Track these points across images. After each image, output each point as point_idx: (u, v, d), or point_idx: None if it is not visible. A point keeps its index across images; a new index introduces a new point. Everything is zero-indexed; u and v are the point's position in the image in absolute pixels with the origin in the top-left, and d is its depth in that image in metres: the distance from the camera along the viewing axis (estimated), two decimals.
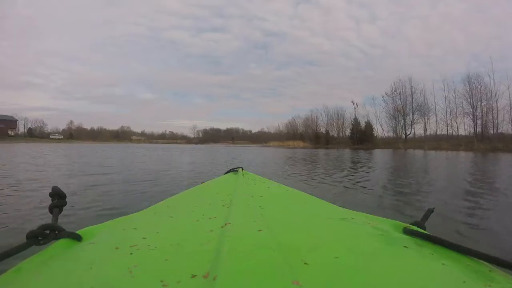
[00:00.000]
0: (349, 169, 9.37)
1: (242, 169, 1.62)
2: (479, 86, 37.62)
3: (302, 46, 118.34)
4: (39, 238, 0.55)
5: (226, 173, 1.64)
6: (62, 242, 0.58)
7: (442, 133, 41.80)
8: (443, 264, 0.46)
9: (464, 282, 0.41)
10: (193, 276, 0.39)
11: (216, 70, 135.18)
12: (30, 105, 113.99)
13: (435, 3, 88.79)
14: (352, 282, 0.39)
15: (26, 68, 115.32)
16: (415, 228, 0.63)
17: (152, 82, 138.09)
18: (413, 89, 44.05)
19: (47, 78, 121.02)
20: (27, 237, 0.53)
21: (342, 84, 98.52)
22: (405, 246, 0.53)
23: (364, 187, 5.49)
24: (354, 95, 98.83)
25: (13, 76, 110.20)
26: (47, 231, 0.56)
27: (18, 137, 66.36)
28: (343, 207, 0.92)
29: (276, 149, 36.31)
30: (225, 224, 0.62)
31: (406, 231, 0.61)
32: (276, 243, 0.48)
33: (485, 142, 31.31)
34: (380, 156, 18.52)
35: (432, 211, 0.76)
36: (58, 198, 0.69)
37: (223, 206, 0.83)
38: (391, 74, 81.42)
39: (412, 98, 44.09)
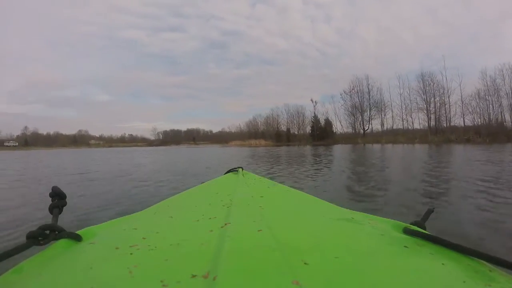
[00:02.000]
0: (309, 163, 9.98)
1: (242, 169, 1.62)
2: (432, 83, 40.11)
3: (259, 45, 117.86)
4: (39, 238, 0.54)
5: (226, 173, 1.64)
6: (62, 242, 0.58)
7: (398, 127, 43.99)
8: (443, 264, 0.46)
9: (464, 282, 0.41)
10: (193, 276, 0.39)
11: (174, 71, 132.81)
12: None
13: (387, 5, 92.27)
14: (352, 282, 0.38)
15: None
16: (415, 228, 0.62)
17: (109, 83, 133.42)
18: (370, 87, 46.30)
19: None
20: (27, 237, 0.53)
21: (300, 82, 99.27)
22: (405, 246, 0.53)
23: (322, 179, 6.04)
24: (312, 93, 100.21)
25: None
26: (47, 232, 0.56)
27: None
28: (343, 207, 0.92)
29: (238, 148, 36.61)
30: (225, 224, 0.62)
31: (406, 231, 0.60)
32: (276, 243, 0.48)
33: (439, 134, 32.66)
34: (339, 151, 19.13)
35: (432, 211, 0.75)
36: (58, 199, 0.68)
37: (223, 206, 0.83)
38: (347, 72, 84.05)
39: (369, 95, 46.33)
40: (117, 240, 0.58)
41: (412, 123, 42.54)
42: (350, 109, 48.08)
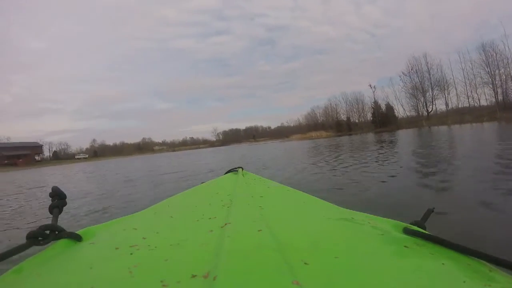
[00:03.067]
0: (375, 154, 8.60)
1: (242, 169, 1.63)
2: (494, 54, 36.36)
3: (307, 36, 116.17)
4: (39, 238, 0.54)
5: (226, 173, 1.65)
6: (62, 242, 0.58)
7: (464, 105, 40.87)
8: (443, 264, 0.46)
9: (464, 282, 0.41)
10: (193, 276, 0.39)
11: (226, 72, 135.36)
12: (52, 129, 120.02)
13: None
14: (352, 282, 0.39)
15: (43, 95, 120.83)
16: (415, 228, 0.62)
17: (166, 92, 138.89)
18: (429, 65, 43.19)
19: (64, 102, 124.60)
20: (27, 237, 0.53)
21: (354, 68, 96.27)
22: (405, 246, 0.53)
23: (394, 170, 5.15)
24: (367, 78, 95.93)
25: (32, 105, 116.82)
26: (47, 232, 0.56)
27: (45, 161, 69.91)
28: (343, 207, 0.92)
29: (299, 142, 35.47)
30: (225, 224, 0.62)
31: (406, 231, 0.60)
32: (276, 243, 0.48)
33: (508, 110, 30.67)
34: (404, 136, 17.50)
35: (432, 211, 0.76)
36: (58, 199, 0.69)
37: (223, 206, 0.83)
38: (401, 52, 78.53)
39: (430, 74, 43.23)
40: (117, 240, 0.58)
41: (479, 100, 39.25)
42: (411, 91, 45.06)
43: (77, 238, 0.61)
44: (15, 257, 0.51)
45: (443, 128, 25.01)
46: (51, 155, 78.49)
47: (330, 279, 0.39)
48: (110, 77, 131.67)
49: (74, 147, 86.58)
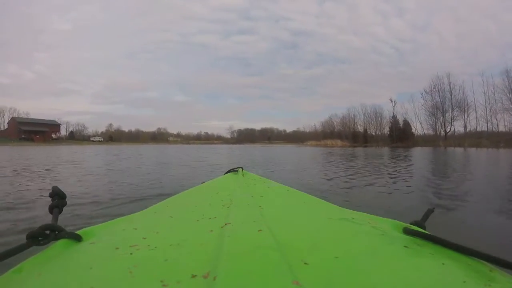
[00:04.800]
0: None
1: (242, 169, 1.62)
2: None
3: (331, 43, 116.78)
4: (39, 238, 0.54)
5: (226, 173, 1.64)
6: (62, 242, 0.58)
7: (483, 129, 40.34)
8: (443, 264, 0.46)
9: (464, 282, 0.41)
10: (193, 276, 0.39)
11: (247, 72, 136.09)
12: (70, 109, 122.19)
13: None
14: (352, 282, 0.39)
15: (65, 76, 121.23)
16: (415, 228, 0.62)
17: (185, 85, 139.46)
18: (451, 85, 42.96)
19: (85, 84, 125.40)
20: (27, 237, 0.53)
21: (375, 80, 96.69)
22: (405, 246, 0.53)
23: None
24: (388, 92, 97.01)
25: (53, 84, 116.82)
26: (47, 231, 0.56)
27: (61, 140, 70.70)
28: (343, 207, 0.92)
29: (315, 148, 35.30)
30: (225, 224, 0.62)
31: (406, 231, 0.60)
32: (276, 243, 0.49)
33: None
34: (419, 155, 17.08)
35: (432, 211, 0.76)
36: (58, 198, 0.69)
37: (223, 206, 0.83)
38: (424, 69, 77.48)
39: (451, 95, 43.00)
40: (117, 240, 0.58)
41: (497, 125, 38.86)
42: (430, 109, 44.91)
43: (77, 238, 0.61)
44: (15, 257, 0.51)
45: (459, 150, 25.09)
46: (67, 134, 79.14)
47: (330, 279, 0.39)
48: (130, 65, 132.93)
49: (90, 129, 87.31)
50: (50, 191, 0.70)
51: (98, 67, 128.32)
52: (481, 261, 0.47)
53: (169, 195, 1.27)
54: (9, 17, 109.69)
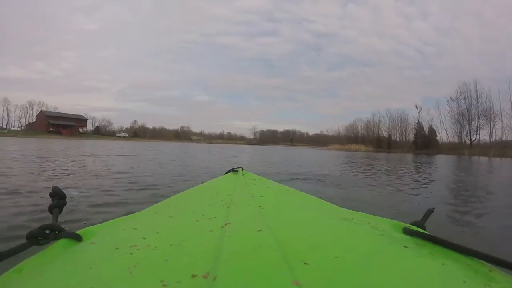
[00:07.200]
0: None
1: (242, 169, 1.61)
2: None
3: (354, 46, 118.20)
4: (39, 238, 0.54)
5: (226, 173, 1.64)
6: (62, 242, 0.58)
7: (508, 139, 39.50)
8: (443, 264, 0.46)
9: (464, 282, 0.41)
10: (193, 276, 0.39)
11: (270, 73, 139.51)
12: (95, 105, 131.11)
13: None
14: (352, 282, 0.39)
15: (90, 74, 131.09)
16: (415, 228, 0.62)
17: (208, 85, 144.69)
18: (478, 93, 42.36)
19: (110, 82, 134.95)
20: (27, 237, 0.53)
21: (399, 85, 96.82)
22: (405, 246, 0.53)
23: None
24: (412, 96, 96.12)
25: (79, 82, 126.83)
26: (47, 231, 0.56)
27: (87, 135, 72.67)
28: (343, 207, 0.91)
29: (340, 152, 34.79)
30: (225, 224, 0.61)
31: (406, 231, 0.60)
32: (276, 243, 0.48)
33: None
34: (444, 163, 16.86)
35: (432, 211, 0.75)
36: (58, 198, 0.68)
37: (223, 206, 0.82)
38: (449, 73, 76.65)
39: (478, 103, 42.55)
40: (117, 240, 0.58)
41: None
42: (456, 117, 44.37)
43: (77, 238, 0.61)
44: (15, 257, 0.51)
45: (484, 159, 24.70)
46: (93, 129, 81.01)
47: (330, 279, 0.39)
48: (154, 64, 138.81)
49: (115, 125, 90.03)
50: (50, 191, 0.70)
51: (122, 66, 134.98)
52: (481, 261, 0.48)
53: None
54: (37, 18, 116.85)
